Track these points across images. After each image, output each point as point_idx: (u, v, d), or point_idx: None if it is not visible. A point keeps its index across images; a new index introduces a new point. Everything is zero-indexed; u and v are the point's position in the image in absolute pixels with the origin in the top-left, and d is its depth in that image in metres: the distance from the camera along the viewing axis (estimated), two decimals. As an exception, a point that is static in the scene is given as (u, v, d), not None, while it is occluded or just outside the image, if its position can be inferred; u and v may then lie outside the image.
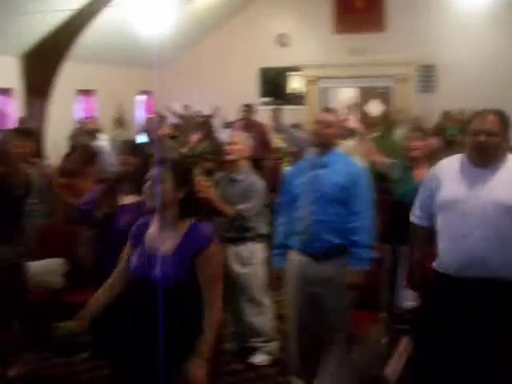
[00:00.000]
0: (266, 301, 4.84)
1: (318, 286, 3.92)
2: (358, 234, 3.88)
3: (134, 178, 3.84)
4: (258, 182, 4.70)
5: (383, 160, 5.65)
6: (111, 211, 3.94)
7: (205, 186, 4.37)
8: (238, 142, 4.74)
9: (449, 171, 3.30)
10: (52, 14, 9.45)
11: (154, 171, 2.89)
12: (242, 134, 5.07)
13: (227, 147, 4.76)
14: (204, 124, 9.52)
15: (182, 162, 3.24)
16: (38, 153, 6.15)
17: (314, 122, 4.02)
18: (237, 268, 4.70)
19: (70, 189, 5.97)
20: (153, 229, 2.98)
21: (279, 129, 8.99)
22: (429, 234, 3.48)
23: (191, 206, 2.95)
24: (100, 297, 3.10)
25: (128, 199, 3.96)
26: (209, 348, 2.85)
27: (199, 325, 2.86)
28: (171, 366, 2.78)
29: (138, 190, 3.59)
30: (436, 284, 3.34)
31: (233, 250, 4.70)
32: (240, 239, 4.68)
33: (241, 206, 4.54)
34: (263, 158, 8.20)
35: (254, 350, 4.84)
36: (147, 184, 2.90)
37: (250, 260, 4.67)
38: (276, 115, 9.53)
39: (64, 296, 5.03)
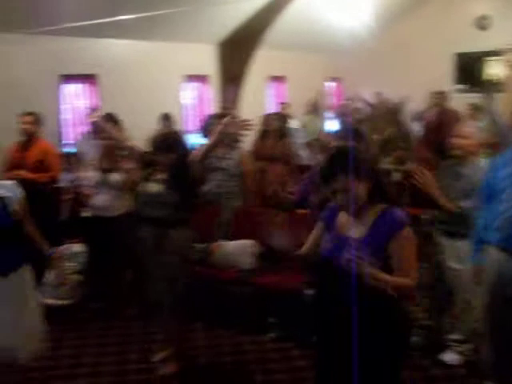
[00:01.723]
0: (475, 300, 4.54)
1: None
2: None
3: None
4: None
5: None
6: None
7: (422, 175, 4.18)
8: (467, 137, 4.42)
9: None
10: (247, 2, 9.72)
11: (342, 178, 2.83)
12: (471, 127, 4.74)
13: (455, 140, 4.44)
14: (393, 112, 9.25)
15: (365, 156, 3.12)
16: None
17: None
18: (451, 263, 4.44)
19: (264, 173, 6.12)
20: (343, 216, 2.97)
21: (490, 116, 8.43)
22: None
23: (380, 194, 2.90)
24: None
25: None
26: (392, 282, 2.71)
27: (388, 309, 2.79)
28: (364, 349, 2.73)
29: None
30: None
31: (450, 244, 4.44)
32: (461, 235, 4.34)
33: (465, 204, 4.26)
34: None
35: (444, 348, 4.61)
36: (338, 186, 2.84)
37: (468, 256, 4.36)
38: (488, 102, 8.97)
39: (254, 277, 5.17)
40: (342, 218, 2.97)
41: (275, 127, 7.20)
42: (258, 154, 6.45)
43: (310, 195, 4.06)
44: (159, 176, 4.26)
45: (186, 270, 4.32)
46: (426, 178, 4.21)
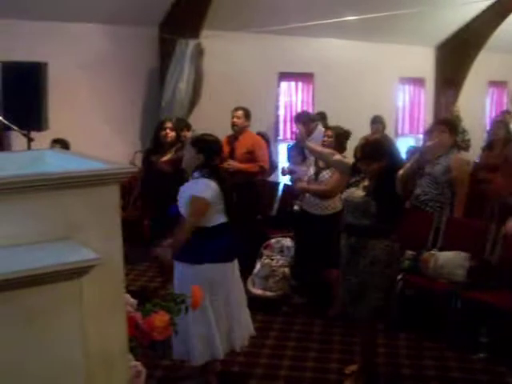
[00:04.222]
0: None
1: None
2: None
3: None
4: None
5: None
6: None
7: None
8: None
9: None
10: (469, 6, 9.36)
11: None
12: None
13: None
14: None
15: None
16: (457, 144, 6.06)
17: None
18: None
19: (490, 184, 5.81)
20: None
21: None
22: None
23: None
24: None
25: None
26: None
27: None
28: None
29: None
30: None
31: None
32: None
33: None
34: None
35: None
36: None
37: None
38: None
39: (466, 292, 4.91)
40: None
41: (501, 136, 6.82)
42: (484, 164, 6.16)
43: None
44: (365, 183, 4.14)
45: (383, 282, 4.13)
46: None
